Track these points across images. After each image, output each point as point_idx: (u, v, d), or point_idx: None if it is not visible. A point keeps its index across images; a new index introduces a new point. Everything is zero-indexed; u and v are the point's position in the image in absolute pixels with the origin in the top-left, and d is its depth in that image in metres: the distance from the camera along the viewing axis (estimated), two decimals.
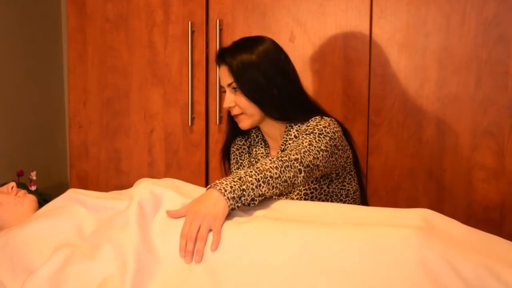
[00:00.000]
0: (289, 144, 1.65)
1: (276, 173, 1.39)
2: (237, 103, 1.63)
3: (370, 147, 2.09)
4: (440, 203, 2.05)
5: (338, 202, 1.65)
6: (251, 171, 1.38)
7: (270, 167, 1.40)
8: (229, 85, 1.62)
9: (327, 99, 2.10)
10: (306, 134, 1.55)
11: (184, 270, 1.25)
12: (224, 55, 1.63)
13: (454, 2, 1.98)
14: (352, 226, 1.22)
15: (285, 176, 1.41)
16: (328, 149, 1.53)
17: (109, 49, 2.33)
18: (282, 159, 1.43)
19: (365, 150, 2.09)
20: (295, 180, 1.43)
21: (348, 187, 1.67)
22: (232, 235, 1.25)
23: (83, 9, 2.34)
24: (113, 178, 2.37)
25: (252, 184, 1.35)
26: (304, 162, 1.46)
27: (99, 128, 2.37)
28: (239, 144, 1.81)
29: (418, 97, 2.04)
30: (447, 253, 1.13)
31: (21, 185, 2.28)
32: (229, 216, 1.31)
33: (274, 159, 1.43)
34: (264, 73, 1.60)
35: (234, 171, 1.78)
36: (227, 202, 1.30)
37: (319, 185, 1.64)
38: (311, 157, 1.48)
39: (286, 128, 1.68)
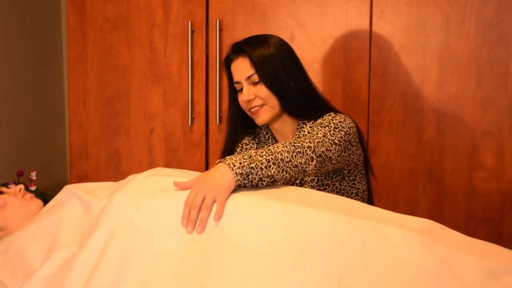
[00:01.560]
0: None
1: (287, 156, 1.39)
2: (258, 94, 1.60)
3: (370, 147, 2.09)
4: (440, 203, 2.05)
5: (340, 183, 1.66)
6: (262, 152, 1.37)
7: (282, 150, 1.40)
8: (249, 77, 1.60)
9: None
10: (322, 127, 1.54)
11: (183, 240, 1.24)
12: (243, 47, 1.61)
13: (454, 2, 1.98)
14: (357, 217, 1.22)
15: (296, 161, 1.41)
16: (341, 143, 1.53)
17: (109, 49, 2.33)
18: (295, 145, 1.43)
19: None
20: (306, 167, 1.43)
21: (358, 185, 1.67)
22: (234, 211, 1.25)
23: (83, 9, 2.34)
24: (113, 178, 2.37)
25: (262, 163, 1.35)
26: (317, 151, 1.45)
27: (99, 128, 2.37)
28: (246, 142, 1.78)
29: (418, 97, 2.04)
30: (448, 256, 1.13)
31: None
32: (233, 193, 1.30)
33: (287, 143, 1.42)
34: (282, 64, 1.60)
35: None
36: (235, 177, 1.30)
37: (331, 181, 1.64)
38: (324, 148, 1.47)
39: (298, 125, 1.67)
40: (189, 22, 2.21)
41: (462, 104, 2.00)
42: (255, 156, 1.36)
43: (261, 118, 1.63)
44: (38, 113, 2.71)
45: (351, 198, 1.66)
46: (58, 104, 2.85)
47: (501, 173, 1.98)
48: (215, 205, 1.26)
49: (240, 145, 1.78)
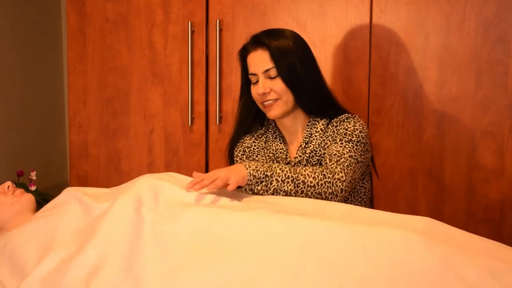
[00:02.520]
0: (315, 136, 1.63)
1: (311, 181, 1.42)
2: (273, 88, 1.59)
3: None
4: (440, 203, 2.05)
5: (358, 199, 1.67)
6: (285, 167, 1.41)
7: (308, 174, 1.42)
8: (266, 71, 1.59)
9: None
10: (346, 142, 1.55)
11: (198, 249, 1.24)
12: (263, 40, 1.60)
13: (454, 2, 1.98)
14: (356, 223, 1.22)
15: (321, 190, 1.43)
16: (363, 160, 1.56)
17: (109, 49, 2.33)
18: (326, 174, 1.44)
19: None
20: (332, 197, 1.45)
21: (366, 184, 1.68)
22: (234, 225, 1.25)
23: (83, 9, 2.34)
24: (113, 178, 2.37)
25: (279, 176, 1.38)
26: (347, 180, 1.47)
27: (99, 128, 2.37)
28: (249, 142, 1.73)
29: (418, 97, 2.04)
30: (450, 256, 1.13)
31: (21, 185, 2.27)
32: (233, 208, 1.32)
33: (318, 170, 1.44)
34: (300, 60, 1.60)
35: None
36: (248, 177, 1.37)
37: None
38: (352, 171, 1.50)
39: (309, 121, 1.66)
40: (189, 22, 2.21)
41: (462, 104, 2.00)
42: (275, 168, 1.40)
43: (274, 112, 1.62)
44: (38, 113, 2.71)
45: (360, 196, 1.67)
46: (58, 104, 2.85)
47: (501, 173, 1.98)
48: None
49: (242, 149, 1.74)
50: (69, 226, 1.38)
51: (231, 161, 1.77)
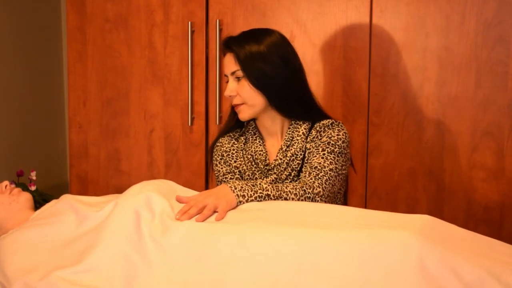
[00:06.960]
0: (297, 140, 1.63)
1: (292, 198, 1.45)
2: (239, 92, 1.61)
3: (370, 147, 2.09)
4: (440, 203, 2.05)
5: (332, 201, 1.67)
6: (268, 186, 1.45)
7: (290, 191, 1.46)
8: (233, 73, 1.61)
9: (327, 99, 2.10)
10: (328, 153, 1.56)
11: (189, 262, 1.24)
12: (231, 43, 1.62)
13: (454, 2, 1.98)
14: (351, 228, 1.22)
15: None
16: (344, 169, 1.59)
17: (109, 49, 2.33)
18: (306, 190, 1.47)
19: (365, 150, 2.09)
20: None
21: (341, 190, 1.68)
22: (229, 241, 1.25)
23: (83, 9, 2.34)
24: (113, 178, 2.37)
25: (261, 195, 1.43)
26: (325, 193, 1.51)
27: (99, 128, 2.37)
28: (227, 146, 1.75)
29: (418, 97, 2.04)
30: (447, 256, 1.13)
31: (21, 185, 2.27)
32: (227, 221, 1.35)
33: (298, 186, 1.47)
34: (271, 64, 1.59)
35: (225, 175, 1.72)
36: (236, 199, 1.40)
37: None
38: (331, 185, 1.53)
39: (291, 124, 1.67)
40: (189, 22, 2.21)
41: (462, 104, 2.00)
42: (259, 184, 1.43)
43: (242, 115, 1.65)
44: (38, 113, 2.71)
45: (336, 197, 1.67)
46: (58, 104, 2.85)
47: (501, 173, 1.98)
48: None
49: (220, 153, 1.75)
50: (62, 240, 1.37)
51: (211, 160, 1.79)
